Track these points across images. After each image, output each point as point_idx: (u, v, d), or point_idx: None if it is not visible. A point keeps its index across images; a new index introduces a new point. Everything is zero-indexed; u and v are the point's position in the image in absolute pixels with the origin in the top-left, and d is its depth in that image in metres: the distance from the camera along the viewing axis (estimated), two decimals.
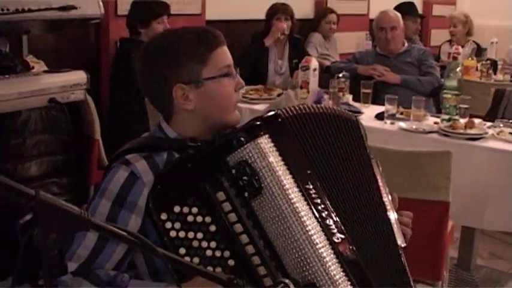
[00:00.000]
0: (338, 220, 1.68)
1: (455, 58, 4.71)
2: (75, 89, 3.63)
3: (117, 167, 1.68)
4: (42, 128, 3.76)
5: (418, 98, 4.08)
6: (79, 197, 4.04)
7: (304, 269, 1.60)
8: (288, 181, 1.62)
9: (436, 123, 3.96)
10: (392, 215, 1.86)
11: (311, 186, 1.66)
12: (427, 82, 4.91)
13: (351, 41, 7.12)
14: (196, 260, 1.60)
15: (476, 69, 6.00)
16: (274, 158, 1.61)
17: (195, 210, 1.61)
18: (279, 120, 1.68)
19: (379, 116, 4.06)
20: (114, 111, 4.47)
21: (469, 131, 3.75)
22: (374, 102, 4.51)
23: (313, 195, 1.66)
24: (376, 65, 4.94)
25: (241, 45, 5.28)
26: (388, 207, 1.85)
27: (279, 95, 4.59)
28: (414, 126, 3.86)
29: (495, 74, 6.17)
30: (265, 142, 1.61)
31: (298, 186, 1.63)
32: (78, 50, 4.55)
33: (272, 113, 1.70)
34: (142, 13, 4.40)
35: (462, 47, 6.49)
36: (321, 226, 1.64)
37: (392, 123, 3.95)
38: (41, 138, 3.77)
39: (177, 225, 1.60)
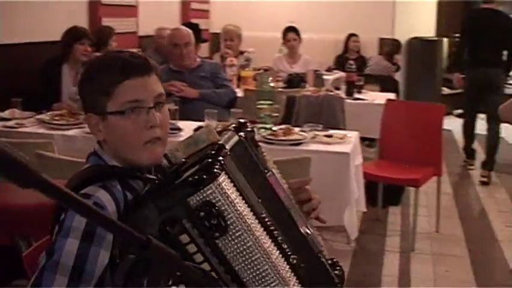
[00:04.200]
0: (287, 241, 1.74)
1: (266, 70, 4.91)
2: None
3: None
4: None
5: (223, 110, 4.21)
6: None
7: None
8: (248, 215, 1.64)
9: None
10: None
11: (264, 215, 1.69)
12: (224, 94, 5.07)
13: None
14: None
15: (254, 79, 6.30)
16: (234, 195, 1.61)
17: None
18: (228, 153, 1.67)
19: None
20: None
21: (289, 137, 3.96)
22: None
23: (269, 223, 1.70)
24: (173, 81, 4.99)
25: (30, 70, 5.06)
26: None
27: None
28: None
29: None
30: (224, 180, 1.60)
31: (257, 218, 1.66)
32: None
33: (218, 146, 1.68)
34: None
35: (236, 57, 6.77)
36: (281, 252, 1.70)
37: None
38: None
39: None
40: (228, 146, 1.71)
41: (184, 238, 1.56)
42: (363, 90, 6.50)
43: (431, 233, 5.24)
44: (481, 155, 7.70)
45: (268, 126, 4.13)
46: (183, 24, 5.94)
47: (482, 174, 6.99)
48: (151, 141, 1.69)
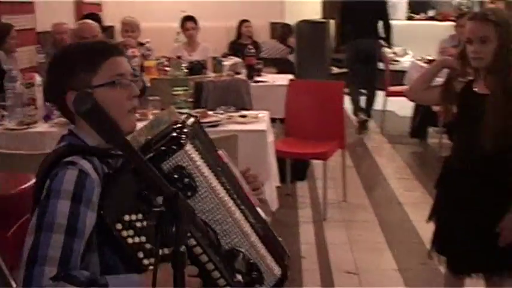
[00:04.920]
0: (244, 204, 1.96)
1: (179, 57, 5.07)
2: None
3: (63, 168, 1.72)
4: None
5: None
6: None
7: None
8: (212, 179, 1.85)
9: None
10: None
11: (225, 180, 1.90)
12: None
13: (23, 56, 7.02)
14: (152, 260, 1.73)
15: (157, 69, 6.44)
16: (199, 162, 1.82)
17: (140, 216, 1.75)
18: (190, 128, 1.86)
19: None
20: None
21: (207, 120, 4.15)
22: None
23: (228, 187, 1.91)
24: None
25: None
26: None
27: None
28: None
29: None
30: (190, 148, 1.80)
31: (220, 182, 1.88)
32: None
33: (182, 122, 1.87)
34: None
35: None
36: (241, 212, 1.92)
37: None
38: None
39: (131, 232, 1.73)
40: (188, 124, 1.91)
41: (160, 199, 1.74)
42: (262, 73, 6.76)
43: (339, 203, 5.57)
44: (376, 129, 8.22)
45: (184, 111, 4.29)
46: (84, 17, 5.98)
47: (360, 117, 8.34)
48: (131, 111, 1.92)
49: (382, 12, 8.38)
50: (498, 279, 2.92)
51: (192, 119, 1.98)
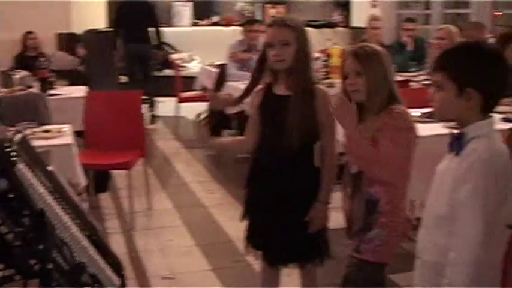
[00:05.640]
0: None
1: None
2: None
3: None
4: None
5: None
6: None
7: None
8: (47, 196, 1.88)
9: None
10: None
11: (58, 196, 1.94)
12: None
13: None
14: None
15: None
16: (33, 179, 1.83)
17: None
18: (20, 145, 1.87)
19: None
20: None
21: None
22: None
23: (63, 202, 1.94)
24: None
25: None
26: None
27: None
28: None
29: None
30: (23, 166, 1.81)
31: (54, 198, 1.91)
32: None
33: (10, 140, 1.87)
34: None
35: None
36: (77, 225, 1.97)
37: None
38: None
39: None
40: (16, 141, 1.91)
41: None
42: (55, 86, 6.64)
43: (145, 210, 5.61)
44: (170, 135, 8.38)
45: None
46: None
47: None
48: None
49: (151, 17, 9.07)
50: (311, 266, 3.16)
51: (19, 136, 1.98)
